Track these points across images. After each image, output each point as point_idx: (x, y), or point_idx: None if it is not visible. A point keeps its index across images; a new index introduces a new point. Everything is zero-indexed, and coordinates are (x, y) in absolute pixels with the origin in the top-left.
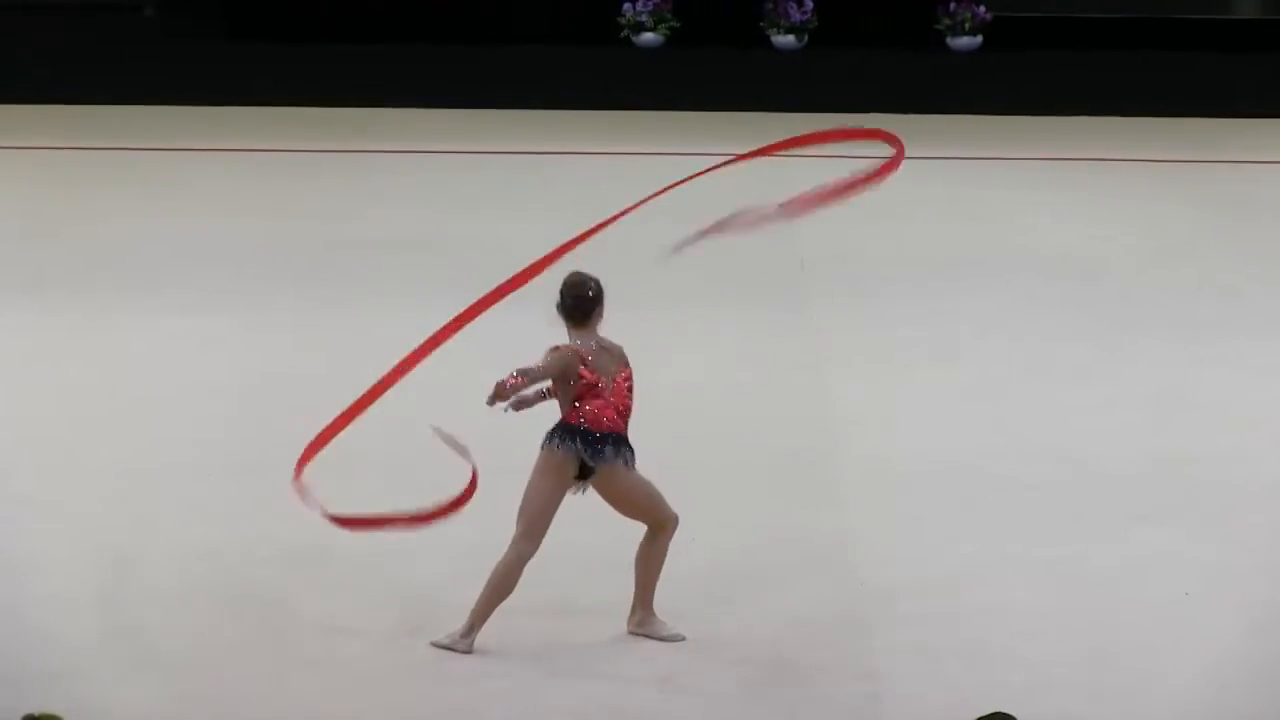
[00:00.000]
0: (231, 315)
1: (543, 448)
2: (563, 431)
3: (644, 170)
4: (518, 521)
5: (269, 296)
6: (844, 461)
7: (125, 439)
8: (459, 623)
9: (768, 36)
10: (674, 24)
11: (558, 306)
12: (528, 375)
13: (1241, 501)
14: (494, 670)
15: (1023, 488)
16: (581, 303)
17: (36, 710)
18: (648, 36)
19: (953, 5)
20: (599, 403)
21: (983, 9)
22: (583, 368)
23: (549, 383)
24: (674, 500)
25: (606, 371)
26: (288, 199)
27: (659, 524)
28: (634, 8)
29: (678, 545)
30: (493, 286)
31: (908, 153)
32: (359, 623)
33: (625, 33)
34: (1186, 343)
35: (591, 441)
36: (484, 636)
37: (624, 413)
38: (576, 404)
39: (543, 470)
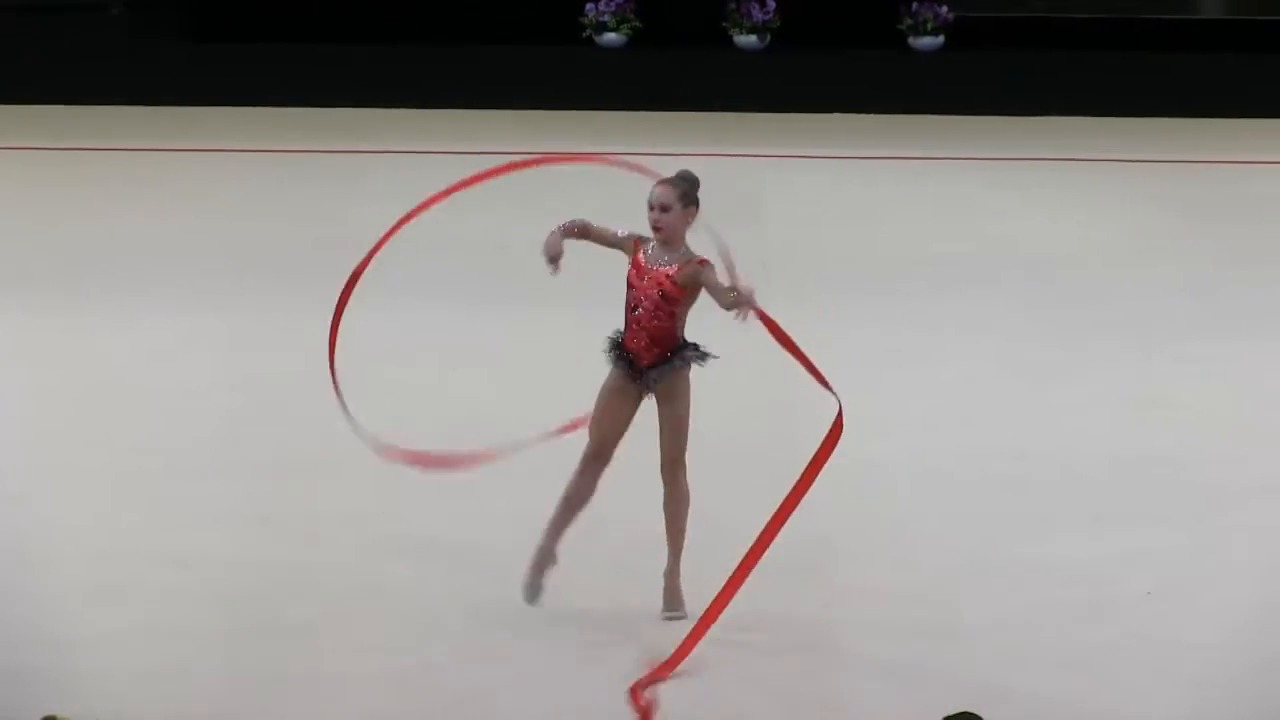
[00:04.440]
0: (206, 315)
1: (686, 369)
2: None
3: (608, 170)
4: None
5: (238, 296)
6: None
7: (107, 439)
8: (453, 629)
9: (730, 36)
10: (636, 24)
11: (694, 205)
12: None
13: (1216, 502)
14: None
15: (994, 487)
16: None
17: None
18: (610, 37)
19: (915, 5)
20: None
21: (945, 9)
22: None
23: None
24: (646, 505)
25: None
26: (256, 199)
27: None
28: (596, 8)
29: (638, 543)
30: (460, 284)
31: (870, 153)
32: (352, 625)
33: (588, 33)
34: (1158, 343)
35: None
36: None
37: None
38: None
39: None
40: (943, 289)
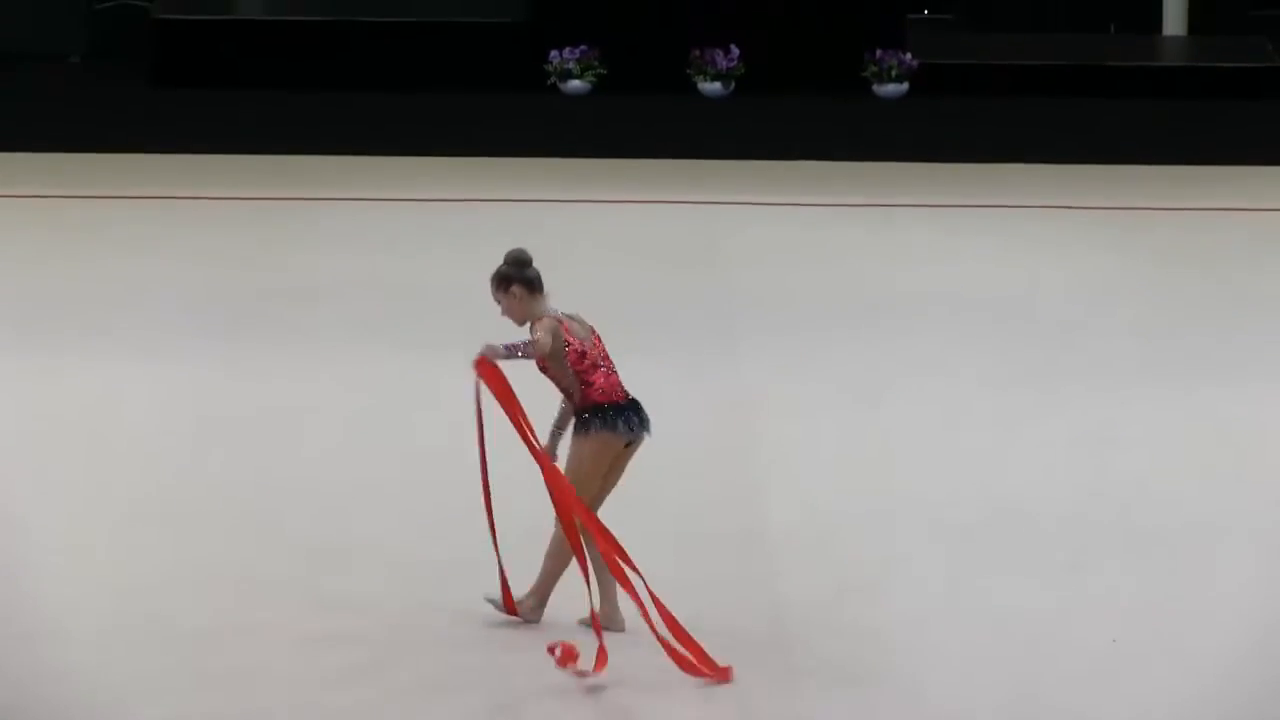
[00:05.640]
0: (161, 361)
1: (589, 435)
2: (606, 413)
3: (572, 216)
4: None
5: (195, 342)
6: (772, 505)
7: (58, 484)
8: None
9: (694, 83)
10: (601, 71)
11: (514, 283)
12: (517, 352)
13: (1170, 544)
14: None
15: (951, 531)
16: (536, 272)
17: None
18: (575, 84)
19: (879, 52)
20: (603, 372)
21: (909, 56)
22: (567, 335)
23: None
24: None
25: (584, 338)
26: (214, 246)
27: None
28: (561, 55)
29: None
30: (423, 329)
31: (835, 200)
32: (324, 658)
33: (552, 80)
34: (1114, 387)
35: (629, 413)
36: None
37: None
38: (589, 382)
39: (595, 457)
40: (906, 334)
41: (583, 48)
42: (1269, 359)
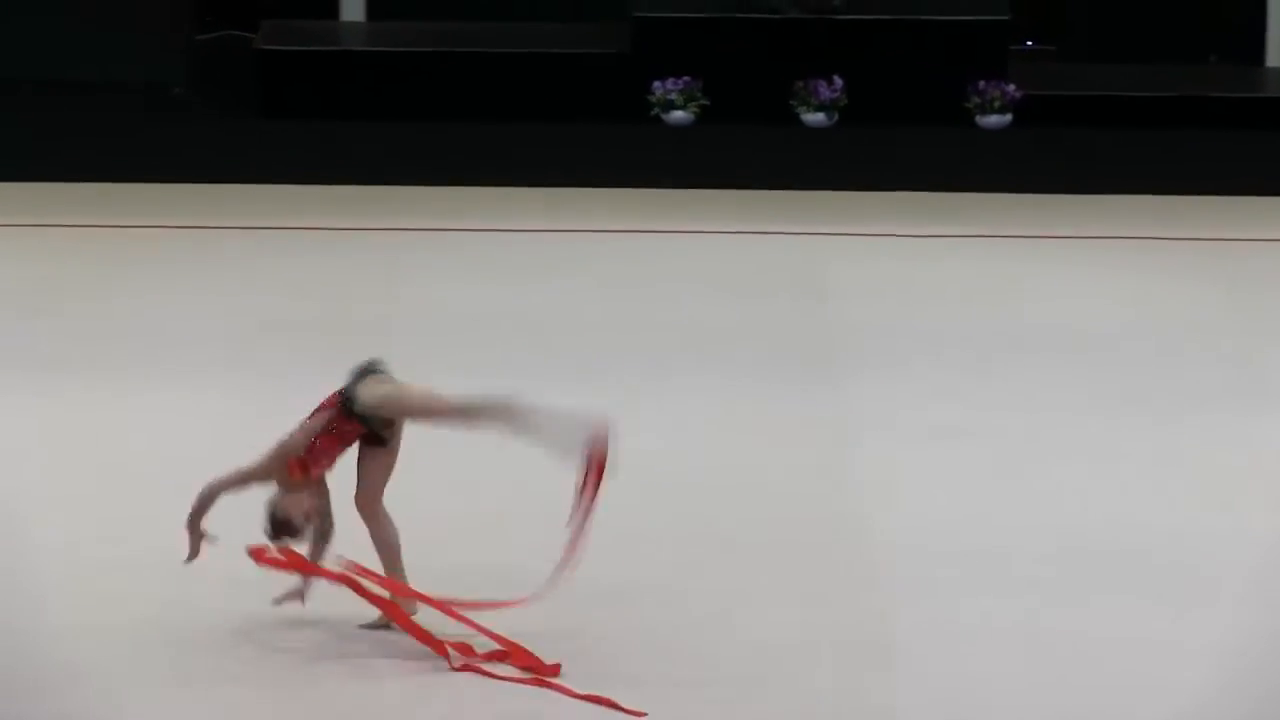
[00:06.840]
0: (255, 393)
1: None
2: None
3: (674, 247)
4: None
5: (289, 372)
6: (867, 537)
7: (119, 513)
8: None
9: (798, 114)
10: (704, 102)
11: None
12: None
13: (1240, 576)
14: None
15: (1033, 562)
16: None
17: None
18: (678, 115)
19: (982, 84)
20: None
21: (1012, 87)
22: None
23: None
24: (694, 576)
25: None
26: (319, 276)
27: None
28: (664, 86)
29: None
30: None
31: (936, 231)
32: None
33: (655, 110)
34: (1195, 414)
35: None
36: None
37: None
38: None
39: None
40: (1009, 368)
41: (685, 79)
42: None
